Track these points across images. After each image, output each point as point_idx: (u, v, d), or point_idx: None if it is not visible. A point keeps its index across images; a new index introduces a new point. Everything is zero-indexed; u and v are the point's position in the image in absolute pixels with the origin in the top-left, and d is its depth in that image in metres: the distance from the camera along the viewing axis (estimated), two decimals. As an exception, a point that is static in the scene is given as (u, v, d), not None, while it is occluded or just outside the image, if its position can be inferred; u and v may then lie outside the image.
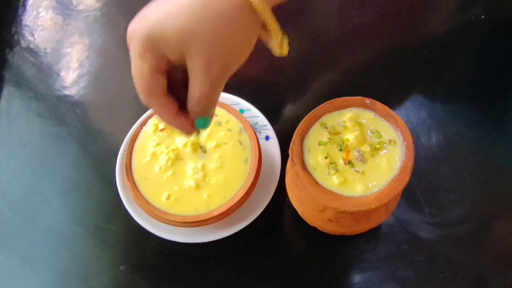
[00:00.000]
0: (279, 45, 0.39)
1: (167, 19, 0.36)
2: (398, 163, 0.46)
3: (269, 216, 0.55)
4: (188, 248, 0.54)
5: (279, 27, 0.37)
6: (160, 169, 0.53)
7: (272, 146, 0.58)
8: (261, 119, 0.60)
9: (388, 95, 0.65)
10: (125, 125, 0.59)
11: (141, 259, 0.55)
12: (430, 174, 0.58)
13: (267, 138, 0.59)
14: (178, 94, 0.42)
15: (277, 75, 0.69)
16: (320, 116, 0.50)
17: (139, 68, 0.38)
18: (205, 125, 0.43)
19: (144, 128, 0.57)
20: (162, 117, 0.41)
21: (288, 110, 0.65)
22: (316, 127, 0.49)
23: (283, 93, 0.66)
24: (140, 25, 0.37)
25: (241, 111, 0.60)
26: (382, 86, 0.67)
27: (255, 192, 0.53)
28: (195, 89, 0.39)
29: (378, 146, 0.47)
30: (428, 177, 0.58)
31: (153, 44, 0.37)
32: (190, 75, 0.39)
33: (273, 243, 0.55)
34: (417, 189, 0.57)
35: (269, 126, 0.60)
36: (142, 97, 0.39)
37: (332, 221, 0.49)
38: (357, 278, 0.53)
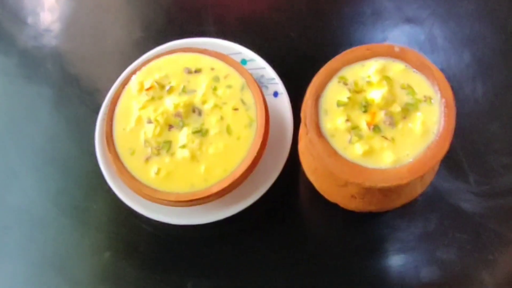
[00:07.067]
0: None
1: None
2: (435, 126, 0.43)
3: (280, 191, 0.52)
4: (184, 231, 0.52)
5: None
6: (147, 137, 0.50)
7: (282, 104, 0.55)
8: (268, 71, 0.56)
9: (421, 40, 0.59)
10: (105, 83, 0.56)
11: (129, 244, 0.53)
12: (475, 133, 0.54)
13: (275, 94, 0.55)
14: None
15: (287, 14, 0.63)
16: (338, 69, 0.46)
17: None
18: None
19: (127, 86, 0.53)
20: None
21: (300, 59, 0.61)
22: (333, 83, 0.45)
23: (294, 37, 0.62)
24: None
25: (243, 62, 0.56)
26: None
27: (262, 163, 0.50)
28: None
29: (410, 106, 0.44)
30: (473, 137, 0.54)
31: None
32: None
33: (285, 223, 0.53)
34: (460, 151, 0.53)
35: (277, 80, 0.56)
36: None
37: (356, 197, 0.45)
38: (388, 261, 0.50)
